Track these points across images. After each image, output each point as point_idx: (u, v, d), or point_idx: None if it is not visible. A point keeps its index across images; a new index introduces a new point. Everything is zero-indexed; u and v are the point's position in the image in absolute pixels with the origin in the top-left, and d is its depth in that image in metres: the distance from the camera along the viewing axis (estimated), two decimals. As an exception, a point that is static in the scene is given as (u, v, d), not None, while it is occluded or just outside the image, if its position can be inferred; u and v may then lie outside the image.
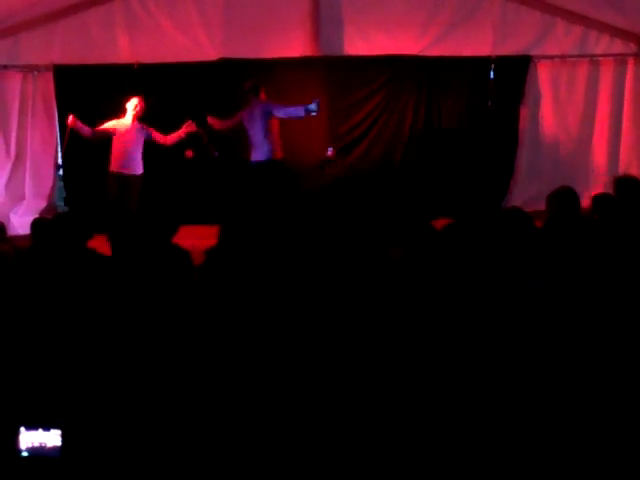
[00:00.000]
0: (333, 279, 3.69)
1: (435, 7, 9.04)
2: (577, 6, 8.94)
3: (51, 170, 9.11)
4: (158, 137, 8.24)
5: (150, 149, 8.76)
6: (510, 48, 9.20)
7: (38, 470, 2.80)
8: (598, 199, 5.43)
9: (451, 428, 2.82)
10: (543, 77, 9.39)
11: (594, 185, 8.87)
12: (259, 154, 8.17)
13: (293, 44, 9.00)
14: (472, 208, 8.20)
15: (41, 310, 3.73)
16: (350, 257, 3.96)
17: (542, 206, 5.50)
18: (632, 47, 9.32)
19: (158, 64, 8.71)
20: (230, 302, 3.65)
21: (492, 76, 9.38)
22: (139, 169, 8.24)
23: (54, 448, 2.79)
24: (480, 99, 9.42)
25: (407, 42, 9.11)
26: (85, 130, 8.04)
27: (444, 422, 2.84)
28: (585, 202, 5.44)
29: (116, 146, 8.13)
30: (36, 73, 8.75)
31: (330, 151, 8.84)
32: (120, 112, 8.31)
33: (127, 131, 8.12)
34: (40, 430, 2.80)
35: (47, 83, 8.75)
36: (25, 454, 2.80)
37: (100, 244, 4.83)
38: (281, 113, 8.10)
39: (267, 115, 8.07)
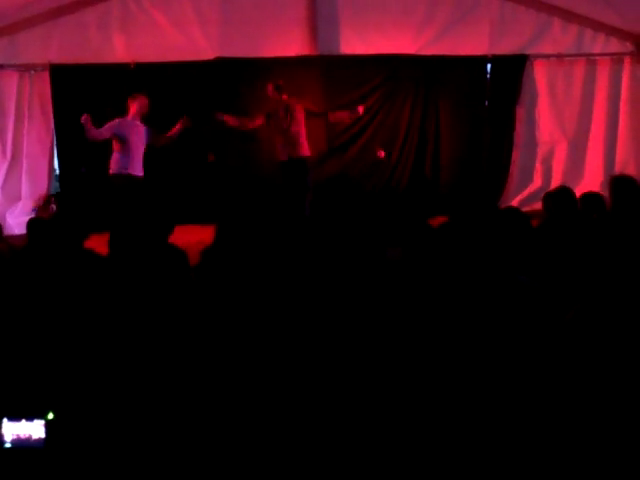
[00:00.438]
0: (330, 278, 3.70)
1: (432, 6, 9.05)
2: (573, 5, 8.96)
3: (47, 170, 9.09)
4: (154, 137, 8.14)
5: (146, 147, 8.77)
6: (506, 47, 9.22)
7: (21, 461, 2.80)
8: (586, 198, 5.41)
9: (448, 427, 2.83)
10: (539, 76, 9.41)
11: (591, 184, 8.87)
12: (305, 150, 8.30)
13: (290, 43, 9.00)
14: (468, 207, 8.21)
15: (35, 308, 3.73)
16: (347, 256, 3.96)
17: (538, 205, 5.52)
18: (628, 46, 9.34)
19: (155, 63, 8.70)
20: (226, 302, 3.65)
21: (489, 75, 9.41)
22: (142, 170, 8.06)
23: (38, 439, 2.78)
24: (477, 98, 9.45)
25: (404, 41, 9.12)
26: (94, 132, 7.71)
27: (441, 420, 2.85)
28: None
29: (124, 147, 7.84)
30: (33, 72, 8.73)
31: (381, 153, 8.86)
32: (118, 111, 8.33)
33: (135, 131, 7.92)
34: (23, 421, 2.80)
35: (44, 82, 8.72)
36: (8, 445, 2.80)
37: (96, 244, 4.83)
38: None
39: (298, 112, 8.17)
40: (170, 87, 8.84)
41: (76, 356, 3.28)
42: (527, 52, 9.25)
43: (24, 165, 8.91)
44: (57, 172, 9.18)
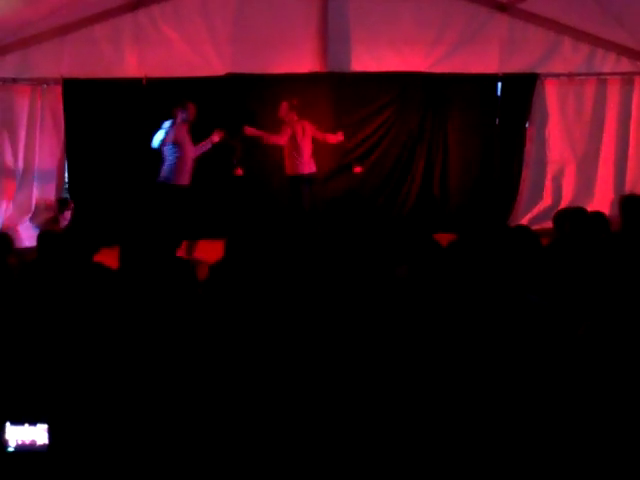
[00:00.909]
0: (338, 296, 3.69)
1: (443, 25, 9.08)
2: (584, 24, 8.97)
3: (58, 183, 9.12)
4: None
5: (157, 161, 8.81)
6: (517, 66, 9.24)
7: (25, 465, 2.80)
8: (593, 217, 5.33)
9: (455, 443, 2.81)
10: (550, 95, 9.42)
11: (601, 203, 8.86)
12: (311, 167, 8.42)
13: (301, 60, 9.04)
14: (478, 225, 8.21)
15: (43, 318, 3.74)
16: (355, 274, 3.96)
17: (548, 224, 5.50)
18: (639, 65, 9.35)
19: (166, 78, 8.73)
20: (234, 317, 3.64)
21: (499, 93, 9.42)
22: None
23: (41, 443, 2.78)
24: (487, 116, 9.45)
25: (415, 59, 9.16)
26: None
27: (448, 437, 2.84)
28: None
29: (186, 158, 7.93)
30: (45, 86, 8.77)
31: (358, 168, 8.87)
32: (129, 126, 8.41)
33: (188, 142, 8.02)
34: (26, 425, 2.79)
35: (55, 96, 8.77)
36: (11, 449, 2.79)
37: (106, 258, 4.84)
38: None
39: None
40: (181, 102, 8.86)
41: (84, 366, 3.28)
42: (538, 71, 9.26)
43: (35, 178, 8.95)
44: (67, 185, 9.21)
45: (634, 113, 9.45)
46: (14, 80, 8.56)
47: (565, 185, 9.52)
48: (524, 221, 9.05)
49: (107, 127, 8.84)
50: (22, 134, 8.79)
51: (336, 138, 8.56)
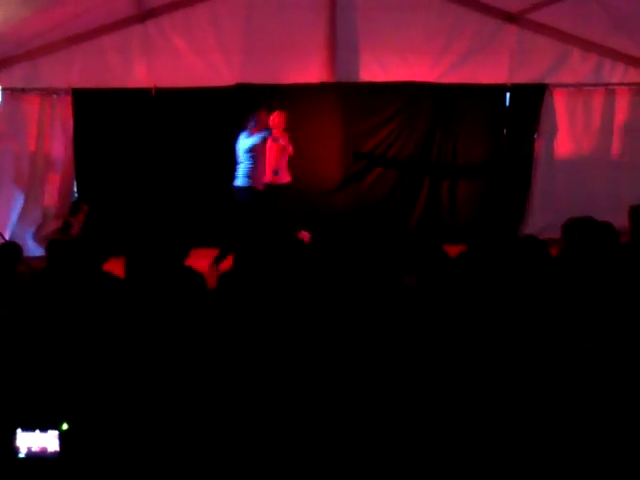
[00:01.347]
0: (348, 307, 3.69)
1: (451, 35, 9.09)
2: (592, 35, 8.97)
3: (67, 192, 9.16)
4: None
5: (165, 172, 8.86)
6: (526, 76, 9.25)
7: (35, 472, 2.80)
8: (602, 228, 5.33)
9: (463, 451, 2.81)
10: (559, 105, 9.42)
11: (609, 214, 8.82)
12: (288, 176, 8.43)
13: (310, 70, 9.07)
14: (487, 236, 8.19)
15: (52, 327, 3.75)
16: (364, 285, 3.95)
17: (557, 234, 5.49)
18: (647, 76, 9.34)
19: (175, 89, 8.78)
20: (243, 327, 3.64)
21: (508, 104, 9.42)
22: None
23: (52, 450, 2.78)
24: (495, 127, 9.44)
25: (423, 69, 9.17)
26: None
27: (458, 445, 2.83)
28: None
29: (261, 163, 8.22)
30: (54, 96, 8.83)
31: (305, 235, 8.64)
32: (138, 135, 8.47)
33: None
34: (37, 432, 2.80)
35: (65, 106, 8.82)
36: (22, 456, 2.79)
37: (114, 267, 4.85)
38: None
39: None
40: (190, 113, 8.92)
41: (94, 373, 3.29)
42: (546, 81, 9.27)
43: (45, 187, 8.99)
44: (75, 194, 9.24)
45: (643, 124, 9.44)
46: (23, 90, 8.61)
47: (574, 195, 9.49)
48: (533, 231, 8.99)
49: (116, 137, 8.89)
50: (31, 143, 8.84)
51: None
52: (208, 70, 8.90)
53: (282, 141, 8.17)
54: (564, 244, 5.17)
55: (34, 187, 8.94)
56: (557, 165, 9.54)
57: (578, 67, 9.27)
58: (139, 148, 8.91)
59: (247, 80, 8.93)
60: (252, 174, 7.93)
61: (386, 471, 2.83)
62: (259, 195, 8.03)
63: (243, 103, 8.80)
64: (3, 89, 7.88)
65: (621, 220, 5.78)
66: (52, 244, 5.00)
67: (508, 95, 9.38)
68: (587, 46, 9.16)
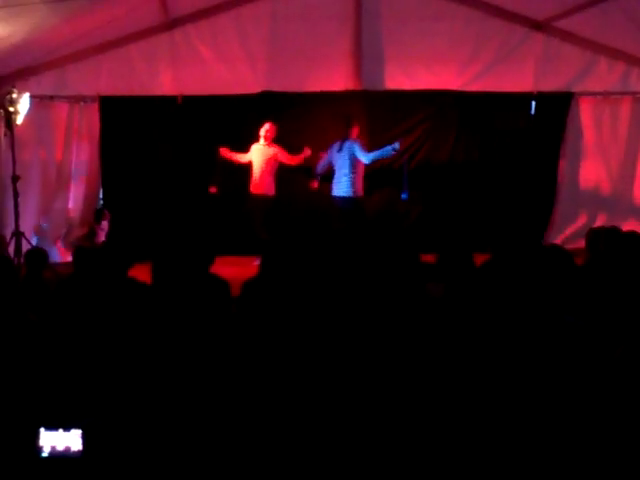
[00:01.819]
0: (373, 316, 3.68)
1: (477, 43, 9.07)
2: (619, 43, 8.91)
3: (94, 198, 9.24)
4: (285, 158, 8.57)
5: (191, 179, 8.90)
6: (552, 84, 9.19)
7: (58, 471, 2.81)
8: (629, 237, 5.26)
9: (490, 463, 2.79)
10: (585, 114, 9.35)
11: (636, 223, 8.75)
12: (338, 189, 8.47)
13: (335, 78, 9.08)
14: (512, 245, 8.14)
15: (78, 329, 3.78)
16: (390, 292, 3.95)
17: (582, 243, 5.45)
18: (674, 84, 9.25)
19: (201, 96, 8.84)
20: (266, 335, 3.65)
21: (533, 112, 9.36)
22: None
23: (75, 449, 2.80)
24: (521, 135, 9.38)
25: (448, 77, 9.15)
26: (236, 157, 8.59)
27: (485, 456, 2.82)
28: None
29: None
30: (82, 104, 8.92)
31: (315, 183, 8.89)
32: (164, 142, 8.54)
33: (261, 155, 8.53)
34: (60, 431, 2.81)
35: (92, 113, 8.93)
36: (45, 455, 2.81)
37: (140, 273, 4.88)
38: (364, 159, 8.29)
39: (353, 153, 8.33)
40: (215, 120, 8.97)
41: (118, 375, 3.31)
42: (573, 90, 9.21)
43: (71, 193, 9.08)
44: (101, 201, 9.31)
45: (670, 132, 9.35)
46: (51, 97, 8.71)
47: (599, 205, 9.43)
48: (558, 240, 8.96)
49: (142, 144, 8.96)
50: (59, 151, 8.94)
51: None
52: (233, 78, 8.94)
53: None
54: (589, 254, 5.12)
55: (60, 194, 9.05)
56: (583, 174, 9.47)
57: (605, 75, 9.20)
58: (165, 155, 8.98)
59: (273, 88, 8.96)
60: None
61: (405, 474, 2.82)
62: (360, 204, 8.37)
63: (268, 111, 8.85)
64: (32, 96, 7.96)
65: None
66: (78, 250, 5.04)
67: (534, 103, 9.31)
68: (614, 54, 9.10)
